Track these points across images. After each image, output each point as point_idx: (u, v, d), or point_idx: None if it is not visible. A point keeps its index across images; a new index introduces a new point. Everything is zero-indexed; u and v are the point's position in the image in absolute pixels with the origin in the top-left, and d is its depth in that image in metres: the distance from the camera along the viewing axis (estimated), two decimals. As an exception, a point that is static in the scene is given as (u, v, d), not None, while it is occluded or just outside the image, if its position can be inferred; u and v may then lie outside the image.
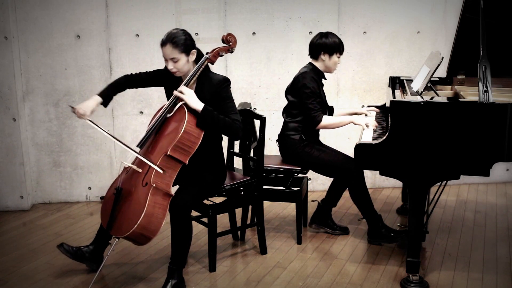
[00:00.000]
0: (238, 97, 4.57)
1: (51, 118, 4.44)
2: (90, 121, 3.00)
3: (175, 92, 2.97)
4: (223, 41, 3.15)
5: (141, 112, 4.49)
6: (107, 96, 3.11)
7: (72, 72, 4.42)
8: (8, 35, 4.17)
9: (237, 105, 3.79)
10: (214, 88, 3.02)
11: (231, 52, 3.18)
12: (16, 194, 4.39)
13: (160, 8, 4.40)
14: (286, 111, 3.74)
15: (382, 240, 3.61)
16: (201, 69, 3.04)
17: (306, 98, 3.55)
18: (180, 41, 2.95)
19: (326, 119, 3.57)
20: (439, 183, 3.25)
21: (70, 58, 4.39)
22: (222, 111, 3.00)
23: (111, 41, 4.41)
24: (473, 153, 2.83)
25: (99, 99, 3.07)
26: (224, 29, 4.48)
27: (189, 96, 2.93)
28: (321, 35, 3.65)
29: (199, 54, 3.10)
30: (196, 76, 3.03)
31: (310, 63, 3.70)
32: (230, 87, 3.08)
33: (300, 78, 3.61)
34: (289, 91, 3.71)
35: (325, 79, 3.76)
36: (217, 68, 4.54)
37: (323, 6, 4.55)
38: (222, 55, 3.14)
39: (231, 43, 3.15)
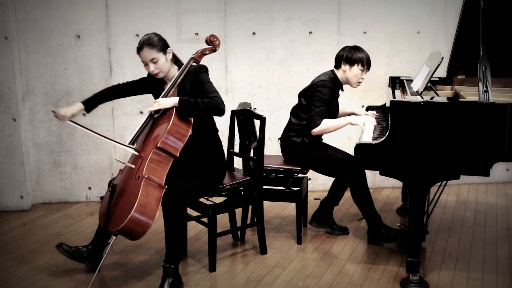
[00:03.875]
0: (238, 97, 4.57)
1: (51, 118, 4.43)
2: (71, 121, 3.14)
3: (150, 110, 3.06)
4: (206, 42, 3.26)
5: (141, 112, 4.50)
6: (90, 104, 3.26)
7: (72, 72, 4.42)
8: (8, 35, 4.17)
9: (237, 105, 3.80)
10: (192, 77, 3.10)
11: (215, 51, 3.28)
12: (16, 194, 4.39)
13: (160, 8, 4.40)
14: (294, 112, 3.72)
15: (382, 240, 3.61)
16: (187, 69, 3.12)
17: (315, 101, 3.52)
18: (155, 41, 3.07)
19: (324, 123, 3.51)
20: (439, 183, 3.25)
21: (70, 58, 4.39)
22: (202, 94, 3.04)
23: (111, 41, 4.41)
24: (473, 153, 2.83)
25: (82, 106, 3.22)
26: (224, 29, 4.49)
27: (163, 104, 2.99)
28: (349, 47, 3.61)
29: (176, 58, 3.21)
30: (183, 75, 3.11)
31: (332, 70, 3.67)
32: (207, 73, 3.14)
33: (318, 83, 3.57)
34: (303, 94, 3.68)
35: (342, 90, 3.74)
36: (217, 68, 4.54)
37: (323, 6, 4.55)
38: (206, 54, 3.23)
39: (214, 43, 3.26)
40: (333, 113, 3.66)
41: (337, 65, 3.64)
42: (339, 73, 3.63)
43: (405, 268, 3.08)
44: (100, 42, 4.40)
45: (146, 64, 3.08)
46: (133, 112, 4.52)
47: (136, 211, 2.80)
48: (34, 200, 4.55)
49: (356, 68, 3.58)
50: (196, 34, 4.44)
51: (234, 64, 4.57)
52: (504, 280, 3.15)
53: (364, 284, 3.11)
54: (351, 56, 3.57)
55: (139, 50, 3.07)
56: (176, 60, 3.20)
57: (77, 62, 4.40)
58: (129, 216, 2.79)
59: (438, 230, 3.87)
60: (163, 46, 3.07)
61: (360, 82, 3.64)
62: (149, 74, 3.29)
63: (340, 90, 3.72)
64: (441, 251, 3.53)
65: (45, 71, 4.38)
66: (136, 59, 4.38)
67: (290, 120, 3.73)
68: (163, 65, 3.08)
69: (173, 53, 3.18)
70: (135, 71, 4.42)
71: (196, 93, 3.05)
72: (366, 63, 3.59)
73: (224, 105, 3.00)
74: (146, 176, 2.88)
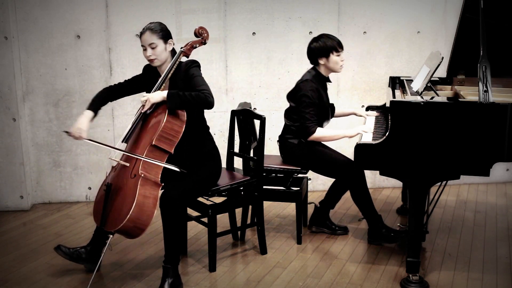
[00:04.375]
0: (238, 97, 4.57)
1: (51, 118, 4.44)
2: (89, 140, 3.06)
3: (142, 111, 3.05)
4: (195, 34, 3.26)
5: (141, 112, 4.49)
6: (96, 109, 3.17)
7: (72, 72, 4.42)
8: (8, 35, 4.17)
9: (237, 105, 3.80)
10: (183, 72, 3.09)
11: (204, 43, 3.29)
12: (16, 194, 4.39)
13: (160, 8, 4.40)
14: (287, 114, 3.73)
15: (382, 240, 3.61)
16: (177, 62, 3.11)
17: (304, 107, 3.52)
18: (158, 28, 3.08)
19: (319, 132, 3.51)
20: (439, 183, 3.25)
21: (70, 58, 4.39)
22: (192, 88, 3.03)
23: (111, 41, 4.41)
24: (473, 153, 2.83)
25: (91, 114, 3.14)
26: (224, 29, 4.49)
27: (152, 97, 2.99)
28: (313, 40, 3.61)
29: (174, 51, 3.19)
30: (173, 69, 3.10)
31: (313, 67, 3.67)
32: (198, 68, 3.12)
33: (301, 86, 3.57)
34: (290, 97, 3.69)
35: (330, 82, 3.74)
36: (218, 68, 4.54)
37: (323, 6, 4.55)
38: (196, 47, 3.23)
39: (203, 36, 3.26)
40: (324, 110, 3.65)
41: (314, 62, 3.64)
42: (321, 68, 3.63)
43: (405, 268, 3.08)
44: (100, 42, 4.40)
45: (144, 49, 3.08)
46: (133, 112, 4.51)
47: (135, 211, 2.80)
48: (34, 200, 4.55)
49: (333, 56, 3.57)
50: (196, 34, 4.43)
51: (234, 64, 4.57)
52: (504, 280, 3.15)
53: (364, 284, 3.11)
54: (322, 48, 3.55)
55: (141, 34, 3.08)
56: (173, 55, 3.18)
57: (77, 62, 4.41)
58: (128, 216, 2.79)
59: (438, 230, 3.87)
60: (165, 34, 3.08)
61: (342, 66, 3.64)
62: (143, 69, 3.29)
63: (328, 83, 3.73)
64: (441, 251, 3.52)
65: (45, 71, 4.38)
66: (136, 59, 4.44)
67: (285, 123, 3.73)
68: (160, 53, 3.07)
69: (174, 48, 3.17)
70: (135, 71, 4.38)
71: (188, 88, 3.04)
72: (338, 47, 3.57)
73: (212, 98, 2.98)
74: (142, 175, 2.87)
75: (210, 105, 2.98)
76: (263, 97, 4.65)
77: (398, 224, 3.81)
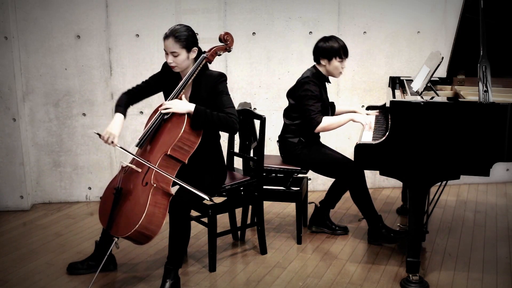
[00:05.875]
0: (238, 97, 4.57)
1: (51, 118, 4.44)
2: (121, 147, 2.99)
3: (162, 112, 2.97)
4: (220, 40, 3.18)
5: (141, 112, 4.49)
6: (124, 113, 3.10)
7: (72, 72, 4.42)
8: (8, 35, 4.16)
9: (237, 105, 3.80)
10: (210, 85, 3.03)
11: (229, 51, 3.21)
12: (16, 194, 4.39)
13: (160, 8, 4.40)
14: (286, 113, 3.74)
15: (382, 240, 3.61)
16: (199, 68, 3.04)
17: (306, 100, 3.53)
18: (183, 36, 2.99)
19: (325, 120, 3.53)
20: (439, 183, 3.25)
21: (70, 58, 4.39)
22: (218, 106, 2.99)
23: (111, 41, 4.41)
24: (473, 153, 2.83)
25: (122, 117, 3.06)
26: (224, 29, 4.48)
27: (176, 107, 2.93)
28: (322, 39, 3.63)
29: (200, 53, 3.12)
30: (194, 76, 3.04)
31: (314, 66, 3.68)
32: (226, 82, 3.07)
33: (302, 82, 3.59)
34: (290, 94, 3.70)
35: (329, 82, 3.75)
36: (217, 68, 4.53)
37: (323, 6, 4.55)
38: (220, 54, 3.17)
39: (228, 42, 3.18)
40: (324, 106, 3.65)
41: (317, 61, 3.66)
42: (321, 67, 3.64)
43: (405, 268, 3.08)
44: (100, 42, 4.40)
45: (166, 53, 3.02)
46: (133, 112, 4.51)
47: (144, 220, 2.79)
48: (34, 200, 4.55)
49: (335, 62, 3.58)
50: (196, 34, 4.42)
51: (234, 64, 4.57)
52: (504, 280, 3.15)
53: (364, 284, 3.11)
54: (327, 50, 3.57)
55: (165, 37, 2.99)
56: (198, 57, 3.09)
57: (77, 62, 4.40)
58: (137, 225, 2.78)
59: (438, 230, 3.87)
60: (189, 43, 3.00)
61: (341, 72, 3.65)
62: (162, 67, 3.22)
63: (327, 83, 3.74)
64: (441, 251, 3.53)
65: (45, 71, 4.38)
66: (136, 59, 4.44)
67: (284, 122, 3.74)
68: (182, 61, 3.01)
69: (199, 49, 3.09)
70: (135, 71, 4.42)
71: (211, 101, 3.00)
72: (343, 54, 3.58)
73: (238, 124, 2.96)
74: (155, 185, 2.85)
75: (235, 131, 2.97)
76: (263, 97, 4.65)
77: (398, 224, 3.81)
